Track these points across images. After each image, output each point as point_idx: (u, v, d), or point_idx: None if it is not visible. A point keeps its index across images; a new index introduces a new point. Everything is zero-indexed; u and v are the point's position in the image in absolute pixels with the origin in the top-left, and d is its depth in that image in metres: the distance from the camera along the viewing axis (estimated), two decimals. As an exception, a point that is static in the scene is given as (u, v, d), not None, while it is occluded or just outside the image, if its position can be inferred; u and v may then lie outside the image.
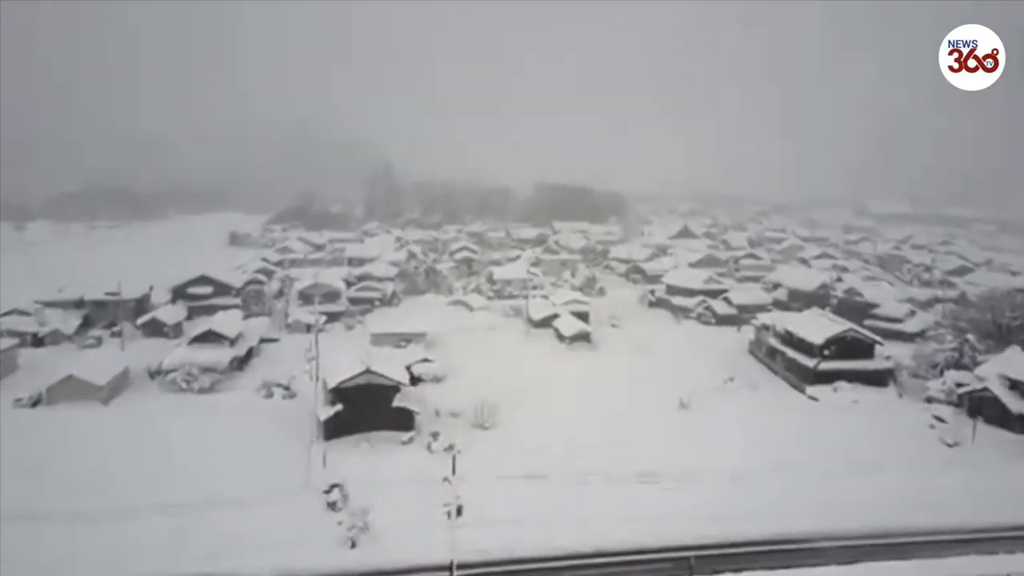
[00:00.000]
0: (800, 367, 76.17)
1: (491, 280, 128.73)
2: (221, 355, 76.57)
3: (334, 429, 57.30)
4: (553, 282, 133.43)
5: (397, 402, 58.13)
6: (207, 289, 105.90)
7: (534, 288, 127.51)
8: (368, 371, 57.43)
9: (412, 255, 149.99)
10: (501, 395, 67.40)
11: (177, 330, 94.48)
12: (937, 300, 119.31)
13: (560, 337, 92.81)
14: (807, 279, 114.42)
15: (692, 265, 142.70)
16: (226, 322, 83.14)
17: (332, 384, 57.55)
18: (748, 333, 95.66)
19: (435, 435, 56.87)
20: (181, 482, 49.99)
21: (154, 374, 74.84)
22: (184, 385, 71.19)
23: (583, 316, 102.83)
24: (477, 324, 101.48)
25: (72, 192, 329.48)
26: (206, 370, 73.08)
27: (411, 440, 57.17)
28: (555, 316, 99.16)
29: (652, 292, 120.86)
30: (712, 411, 65.40)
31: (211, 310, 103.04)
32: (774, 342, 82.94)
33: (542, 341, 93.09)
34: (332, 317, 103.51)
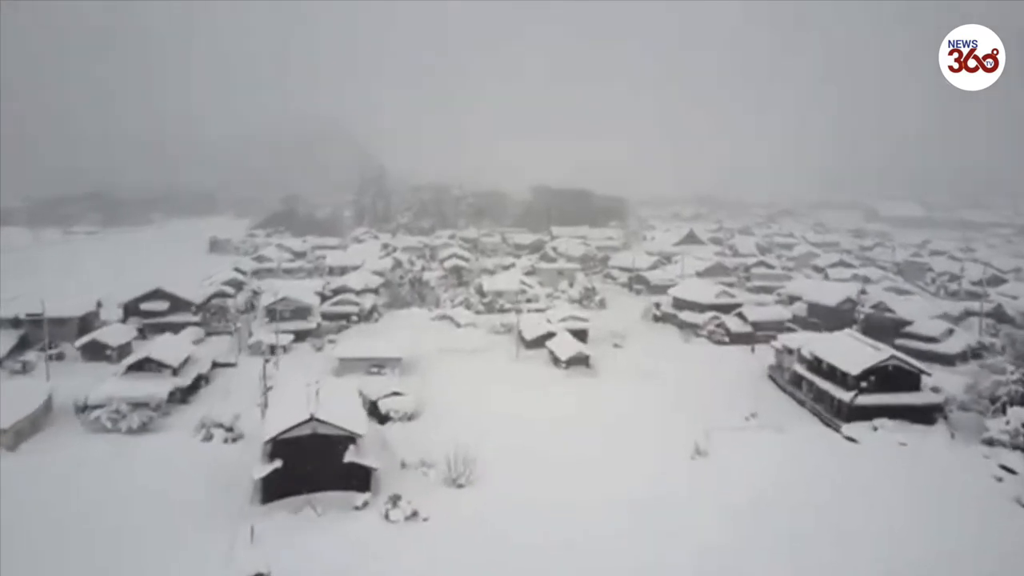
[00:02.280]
0: (832, 400, 65.40)
1: (481, 292, 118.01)
2: (159, 386, 65.88)
3: (273, 490, 46.60)
4: (549, 293, 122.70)
5: (351, 456, 47.31)
6: (162, 305, 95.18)
7: (528, 301, 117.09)
8: (313, 419, 46.59)
9: (398, 263, 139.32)
10: (483, 438, 56.68)
11: (124, 352, 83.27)
12: (969, 314, 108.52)
13: (555, 360, 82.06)
14: (828, 292, 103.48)
15: (700, 274, 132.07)
16: (169, 347, 72.50)
17: (269, 435, 46.80)
18: (766, 354, 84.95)
19: (395, 499, 46.03)
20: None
21: (80, 409, 64.09)
22: (110, 425, 60.46)
23: (581, 335, 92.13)
24: (462, 344, 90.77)
25: (54, 196, 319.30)
26: (138, 406, 62.35)
27: (366, 505, 46.35)
28: (550, 335, 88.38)
29: (657, 306, 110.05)
30: (735, 461, 54.44)
31: (166, 328, 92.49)
32: (800, 368, 72.15)
33: (535, 365, 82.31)
34: (301, 336, 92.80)
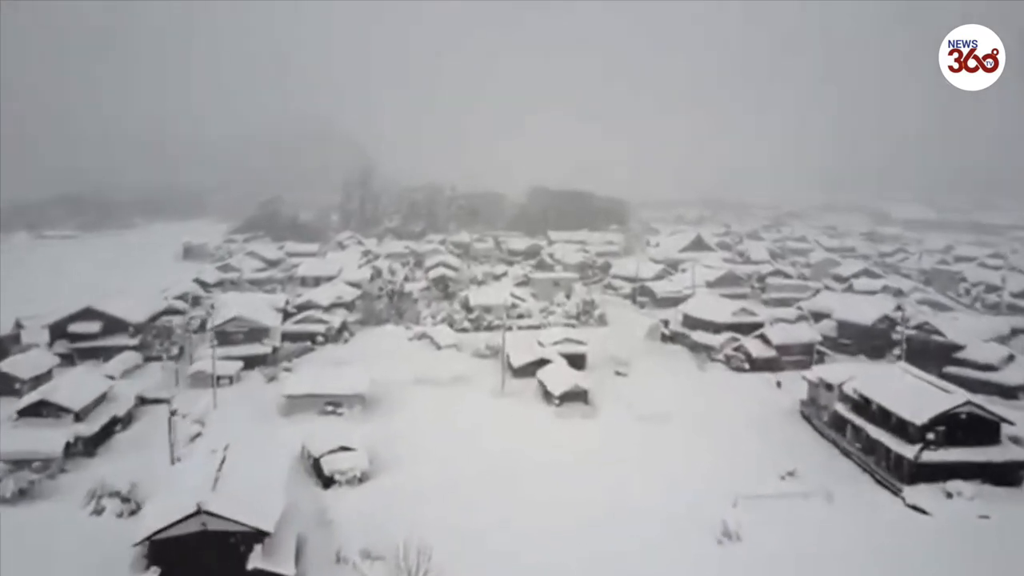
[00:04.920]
0: (888, 454, 52.61)
1: (466, 306, 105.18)
2: (53, 438, 53.30)
3: (148, 608, 33.85)
4: (543, 307, 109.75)
5: (256, 561, 34.51)
6: (94, 326, 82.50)
7: (519, 317, 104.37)
8: (202, 513, 33.77)
9: (377, 273, 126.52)
10: (448, 512, 44.40)
11: (39, 386, 70.64)
12: (1016, 332, 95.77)
13: (546, 395, 69.23)
14: (862, 309, 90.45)
15: (710, 284, 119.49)
16: (74, 384, 59.76)
17: (143, 534, 34.04)
18: (794, 384, 72.28)
19: (316, 624, 33.27)
20: None
21: (-46, 468, 51.38)
22: (-21, 493, 47.80)
23: (578, 360, 79.51)
24: (440, 371, 77.89)
25: (35, 199, 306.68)
26: (20, 464, 49.79)
27: (274, 632, 33.60)
28: (542, 362, 75.65)
29: (665, 323, 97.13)
30: (778, 550, 41.60)
31: (99, 353, 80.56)
32: (843, 410, 59.38)
33: (522, 401, 69.40)
34: (253, 362, 79.93)
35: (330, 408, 64.23)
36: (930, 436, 50.52)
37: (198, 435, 58.80)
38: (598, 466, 53.20)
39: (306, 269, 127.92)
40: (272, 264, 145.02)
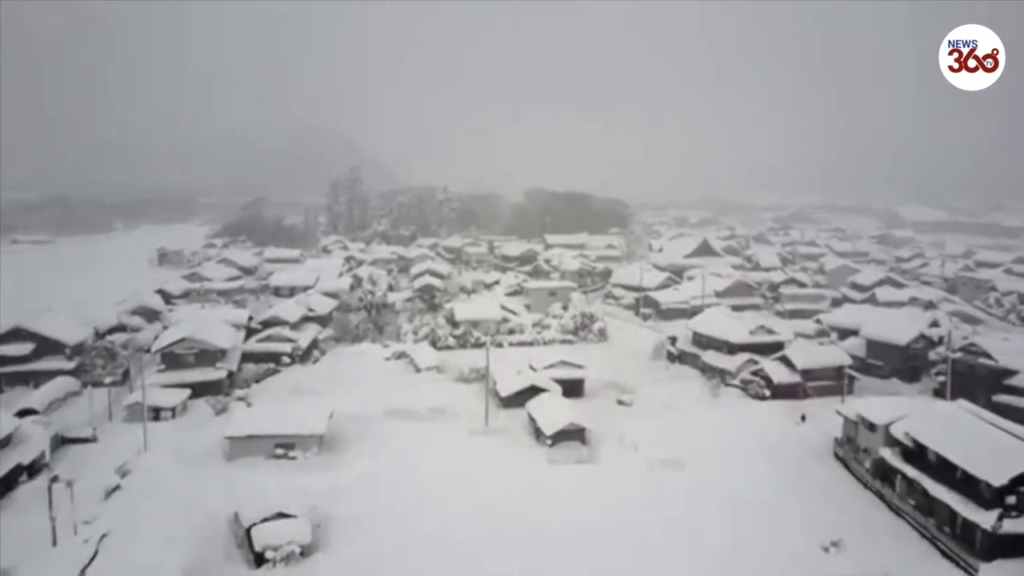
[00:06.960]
0: (955, 519, 42.74)
1: (452, 321, 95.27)
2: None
3: None
4: (537, 322, 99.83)
5: None
6: (24, 348, 72.61)
7: (510, 332, 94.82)
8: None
9: (357, 282, 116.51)
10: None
11: (-51, 420, 60.87)
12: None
13: (537, 432, 59.27)
14: (895, 326, 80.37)
15: (719, 294, 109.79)
16: (-34, 429, 49.66)
17: None
18: (821, 414, 62.59)
19: None
20: None
21: None
22: None
23: (575, 387, 69.93)
24: (417, 401, 67.96)
25: (10, 202, 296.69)
26: None
27: None
28: (533, 390, 65.77)
29: (673, 340, 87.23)
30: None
31: (29, 378, 70.99)
32: (892, 457, 49.48)
33: (508, 440, 59.28)
34: (204, 390, 69.83)
35: (281, 451, 54.37)
36: (1010, 499, 40.68)
37: (116, 488, 48.87)
38: (596, 536, 43.14)
39: (280, 278, 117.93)
40: (247, 272, 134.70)
